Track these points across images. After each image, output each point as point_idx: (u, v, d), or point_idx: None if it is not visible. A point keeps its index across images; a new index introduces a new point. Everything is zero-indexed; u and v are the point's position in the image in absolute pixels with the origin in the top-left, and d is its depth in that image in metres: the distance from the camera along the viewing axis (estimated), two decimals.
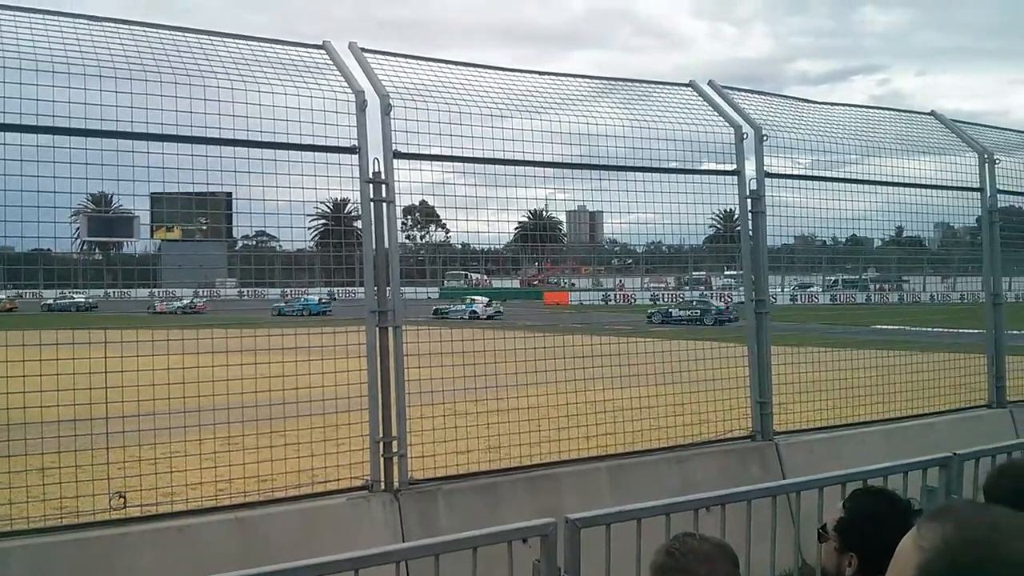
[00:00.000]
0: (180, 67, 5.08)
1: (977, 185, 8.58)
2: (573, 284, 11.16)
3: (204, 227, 7.17)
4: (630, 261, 10.61)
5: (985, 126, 9.64)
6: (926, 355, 8.54)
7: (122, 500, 4.82)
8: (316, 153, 5.46)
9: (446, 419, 5.91)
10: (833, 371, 7.77)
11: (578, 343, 6.75)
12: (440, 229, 9.32)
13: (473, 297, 11.31)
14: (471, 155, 6.10)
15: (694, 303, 9.19)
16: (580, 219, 11.08)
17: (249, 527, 4.89)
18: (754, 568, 4.15)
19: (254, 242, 8.08)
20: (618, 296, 11.17)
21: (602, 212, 8.81)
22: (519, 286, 10.75)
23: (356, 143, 5.45)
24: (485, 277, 10.39)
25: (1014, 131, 10.37)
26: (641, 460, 6.28)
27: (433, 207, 7.83)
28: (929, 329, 11.01)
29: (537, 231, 8.96)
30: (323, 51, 5.78)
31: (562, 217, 10.47)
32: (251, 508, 5.04)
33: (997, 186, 8.60)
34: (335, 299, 8.55)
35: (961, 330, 10.24)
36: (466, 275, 10.54)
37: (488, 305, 11.47)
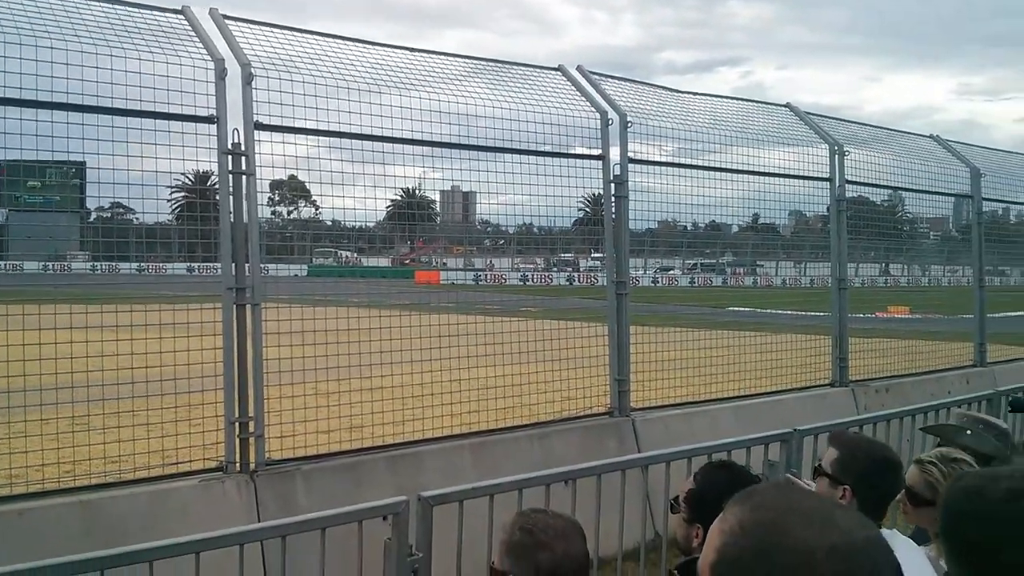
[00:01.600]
0: (28, 28, 4.77)
1: (827, 175, 9.05)
2: (445, 264, 11.18)
3: (56, 197, 6.80)
4: (502, 242, 10.72)
5: (838, 119, 10.21)
6: (776, 336, 9.02)
7: None
8: (172, 122, 5.26)
9: (307, 399, 5.82)
10: (690, 350, 8.07)
11: (446, 322, 6.77)
12: (309, 205, 9.14)
13: None
14: (341, 130, 6.00)
15: None
16: (453, 199, 11.10)
17: (95, 510, 4.69)
18: (605, 539, 4.31)
19: (109, 214, 7.69)
20: (489, 277, 11.28)
21: (475, 192, 8.86)
22: (390, 265, 10.69)
23: (214, 112, 5.27)
24: (356, 255, 10.27)
25: (865, 124, 11.04)
26: (504, 437, 6.38)
27: (303, 182, 7.67)
28: (780, 312, 11.62)
29: (409, 210, 8.89)
30: (182, 16, 5.54)
31: (435, 197, 10.47)
32: (97, 491, 4.84)
33: (846, 176, 9.09)
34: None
35: (810, 312, 10.84)
36: (336, 253, 10.39)
37: None
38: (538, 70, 7.48)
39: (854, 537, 1.07)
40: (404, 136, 6.32)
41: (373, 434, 5.99)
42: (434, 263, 11.11)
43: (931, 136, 10.92)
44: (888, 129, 11.10)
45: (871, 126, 10.76)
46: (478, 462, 6.07)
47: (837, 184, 8.99)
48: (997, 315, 11.99)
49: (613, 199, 7.21)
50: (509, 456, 6.19)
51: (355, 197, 6.69)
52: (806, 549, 1.05)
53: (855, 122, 10.38)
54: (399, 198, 8.45)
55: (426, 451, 5.97)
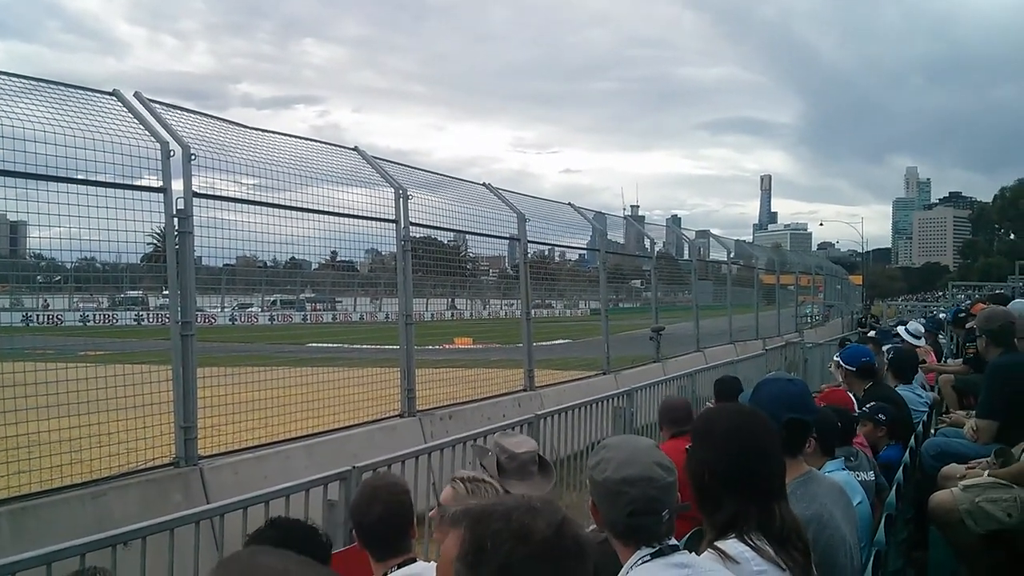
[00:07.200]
0: None
1: (393, 217, 9.57)
2: None
3: None
4: (58, 278, 9.74)
5: (404, 165, 10.93)
6: (352, 370, 9.28)
7: None
8: None
9: None
10: (266, 390, 7.98)
11: None
12: None
13: None
14: None
15: None
16: None
17: None
18: None
19: None
20: (42, 317, 10.09)
21: (25, 224, 7.98)
22: None
23: None
24: None
25: (428, 171, 11.89)
26: (50, 500, 5.76)
27: None
28: (359, 346, 11.98)
29: None
30: None
31: None
32: None
33: (411, 219, 9.67)
34: None
35: (385, 346, 11.33)
36: None
37: None
38: (90, 93, 6.95)
39: None
40: None
41: None
42: None
43: (484, 184, 12.07)
44: (449, 176, 12.12)
45: (434, 172, 11.63)
46: (20, 532, 5.42)
47: (402, 225, 9.53)
48: (546, 343, 13.58)
49: (176, 234, 6.91)
50: (58, 522, 5.60)
51: None
52: None
53: (419, 168, 11.14)
54: None
55: None
